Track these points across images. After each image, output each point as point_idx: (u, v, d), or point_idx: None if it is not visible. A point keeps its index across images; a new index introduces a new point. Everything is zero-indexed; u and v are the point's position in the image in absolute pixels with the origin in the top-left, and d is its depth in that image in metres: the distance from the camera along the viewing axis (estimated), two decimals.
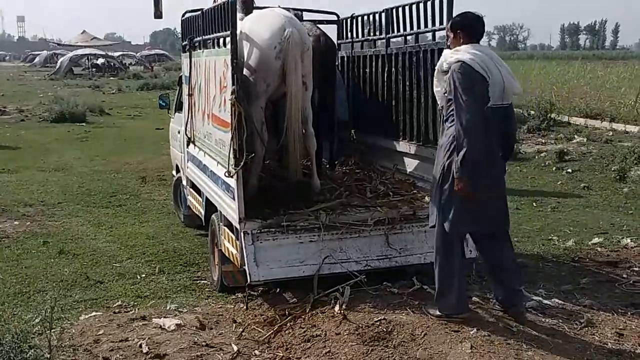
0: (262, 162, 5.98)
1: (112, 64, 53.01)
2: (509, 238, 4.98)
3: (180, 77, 8.22)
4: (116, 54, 61.02)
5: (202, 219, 6.93)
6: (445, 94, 4.73)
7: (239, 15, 6.07)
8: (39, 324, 4.43)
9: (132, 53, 73.89)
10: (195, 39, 6.81)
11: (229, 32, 5.27)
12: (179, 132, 8.25)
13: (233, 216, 5.33)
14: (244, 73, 5.67)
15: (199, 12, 6.58)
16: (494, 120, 4.60)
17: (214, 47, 6.11)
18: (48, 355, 4.21)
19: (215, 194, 5.99)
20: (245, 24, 5.88)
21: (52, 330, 4.40)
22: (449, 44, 4.86)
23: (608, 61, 43.58)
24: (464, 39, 4.70)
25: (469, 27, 4.72)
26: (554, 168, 11.84)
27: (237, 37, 5.42)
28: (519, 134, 14.55)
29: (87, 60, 52.92)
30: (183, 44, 7.42)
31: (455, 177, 4.53)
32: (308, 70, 5.74)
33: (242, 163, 5.15)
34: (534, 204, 9.48)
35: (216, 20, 5.83)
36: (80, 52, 53.61)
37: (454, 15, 5.27)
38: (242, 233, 5.16)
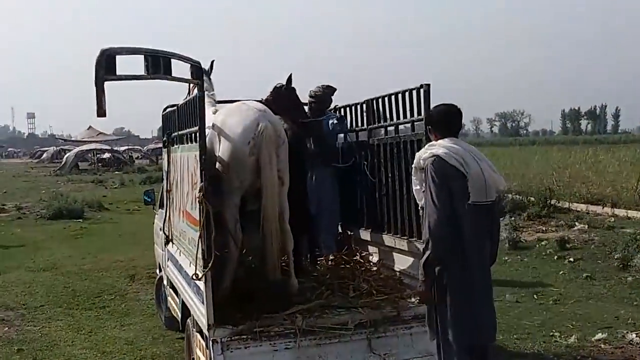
0: (236, 262, 5.65)
1: (117, 158, 53.60)
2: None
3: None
4: (122, 148, 62.01)
5: (179, 322, 6.54)
6: (424, 192, 4.43)
7: (211, 108, 5.92)
8: None
9: (138, 147, 75.14)
10: (172, 134, 6.65)
11: (197, 127, 5.07)
12: (160, 229, 7.97)
13: (202, 322, 4.95)
14: (217, 168, 5.44)
15: (175, 107, 6.44)
16: (476, 218, 4.28)
17: (187, 143, 5.91)
18: None
19: (188, 297, 5.63)
20: (217, 118, 5.69)
21: None
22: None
23: (610, 145, 43.67)
24: (437, 134, 4.48)
25: (438, 123, 4.52)
26: (556, 257, 11.41)
27: (210, 132, 5.22)
28: (520, 221, 14.24)
29: (92, 155, 53.59)
30: (163, 139, 7.26)
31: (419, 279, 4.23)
32: (284, 164, 5.48)
33: (209, 264, 4.82)
34: (535, 296, 9.05)
35: (188, 114, 5.65)
36: (86, 147, 54.34)
37: (431, 105, 5.08)
38: (210, 341, 4.77)
